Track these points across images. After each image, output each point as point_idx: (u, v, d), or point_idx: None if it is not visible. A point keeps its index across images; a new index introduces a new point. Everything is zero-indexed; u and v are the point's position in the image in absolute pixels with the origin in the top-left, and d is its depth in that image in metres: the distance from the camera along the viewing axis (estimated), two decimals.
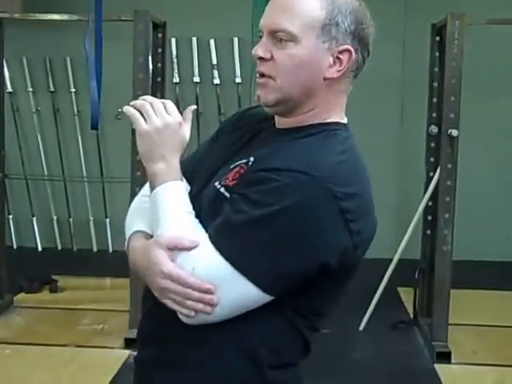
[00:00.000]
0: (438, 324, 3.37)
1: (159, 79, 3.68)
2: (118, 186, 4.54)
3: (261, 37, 1.17)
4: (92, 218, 5.01)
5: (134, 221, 1.24)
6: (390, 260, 3.74)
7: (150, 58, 3.37)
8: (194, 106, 1.22)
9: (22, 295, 4.10)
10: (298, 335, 1.18)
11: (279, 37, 1.13)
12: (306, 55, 1.13)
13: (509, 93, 4.66)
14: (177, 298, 1.07)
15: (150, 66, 3.41)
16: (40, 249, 5.07)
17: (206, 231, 1.10)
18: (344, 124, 1.21)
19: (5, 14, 3.68)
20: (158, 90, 3.68)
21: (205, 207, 1.15)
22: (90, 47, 3.08)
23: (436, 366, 3.27)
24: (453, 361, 3.30)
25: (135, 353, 1.28)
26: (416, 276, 3.76)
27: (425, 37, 3.74)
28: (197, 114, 4.78)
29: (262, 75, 1.16)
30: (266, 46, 1.15)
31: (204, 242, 1.08)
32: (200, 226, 1.12)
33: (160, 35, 3.67)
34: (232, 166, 1.17)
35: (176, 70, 4.75)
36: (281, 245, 1.05)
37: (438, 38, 3.65)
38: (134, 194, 3.23)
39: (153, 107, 1.14)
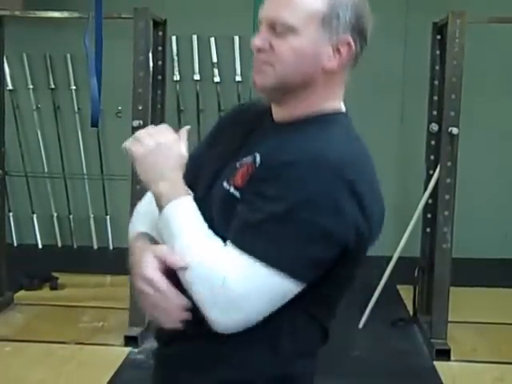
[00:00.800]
0: (437, 321, 3.38)
1: (160, 77, 3.69)
2: (118, 183, 4.54)
3: (259, 28, 1.16)
4: (92, 216, 5.01)
5: (139, 222, 1.26)
6: (390, 258, 3.74)
7: (150, 55, 3.37)
8: (188, 126, 1.23)
9: (22, 292, 4.10)
10: (319, 325, 1.19)
11: (279, 29, 1.12)
12: (306, 47, 1.12)
13: (509, 92, 4.66)
14: (152, 303, 1.09)
15: (151, 64, 3.41)
16: (40, 246, 5.08)
17: (221, 237, 1.10)
18: (343, 112, 1.21)
19: (5, 12, 3.68)
20: (159, 87, 3.69)
21: (216, 212, 1.14)
22: (90, 45, 3.08)
23: (435, 363, 3.27)
24: (452, 358, 3.30)
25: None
26: (416, 274, 3.76)
27: (426, 35, 3.74)
28: (197, 112, 4.79)
29: (260, 61, 1.15)
30: (265, 36, 1.14)
31: (222, 249, 1.08)
32: (214, 236, 1.11)
33: (160, 33, 3.67)
34: (238, 165, 1.16)
35: (176, 68, 4.75)
36: (303, 234, 1.06)
37: (438, 37, 3.65)
38: (134, 192, 3.28)
39: (146, 132, 1.17)
